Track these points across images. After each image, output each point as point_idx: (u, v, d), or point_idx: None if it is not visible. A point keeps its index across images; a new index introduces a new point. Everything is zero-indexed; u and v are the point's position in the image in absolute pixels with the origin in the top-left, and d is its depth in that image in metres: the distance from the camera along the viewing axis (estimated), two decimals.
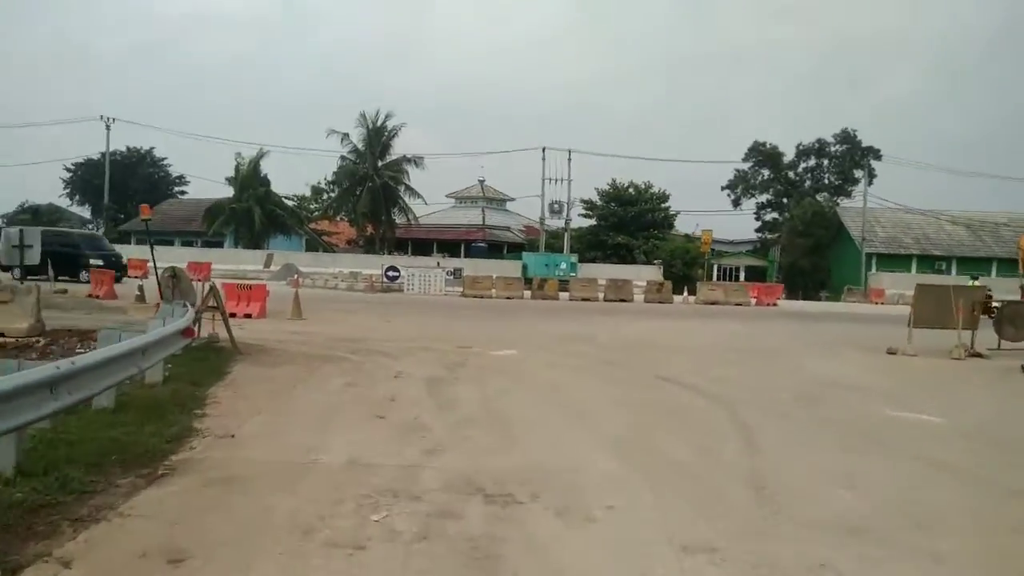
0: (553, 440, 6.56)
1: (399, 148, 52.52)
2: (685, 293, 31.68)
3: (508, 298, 28.41)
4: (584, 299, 28.70)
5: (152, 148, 72.37)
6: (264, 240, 51.91)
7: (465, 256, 55.07)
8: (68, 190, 72.90)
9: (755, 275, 53.72)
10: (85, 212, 74.15)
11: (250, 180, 50.80)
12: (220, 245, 54.52)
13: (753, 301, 29.70)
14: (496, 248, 61.55)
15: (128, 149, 70.56)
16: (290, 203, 57.00)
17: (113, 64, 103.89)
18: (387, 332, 15.64)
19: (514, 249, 63.83)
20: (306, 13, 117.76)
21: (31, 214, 67.83)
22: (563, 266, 39.98)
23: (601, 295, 29.01)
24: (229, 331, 12.11)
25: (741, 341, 16.43)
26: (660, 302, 29.45)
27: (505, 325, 18.41)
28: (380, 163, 51.41)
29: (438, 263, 36.63)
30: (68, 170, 70.86)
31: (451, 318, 19.77)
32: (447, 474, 5.38)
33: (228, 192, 52.93)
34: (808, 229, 52.44)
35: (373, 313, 20.52)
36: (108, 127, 55.67)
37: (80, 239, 29.68)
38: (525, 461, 5.82)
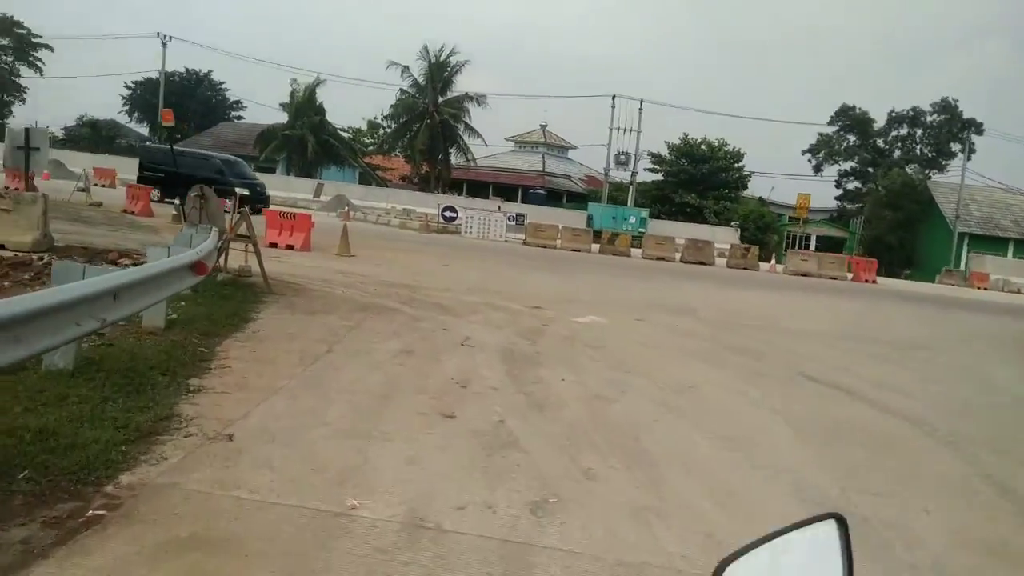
0: (737, 503, 4.07)
1: (461, 86, 49.57)
2: (773, 260, 28.57)
3: (574, 250, 25.71)
4: (659, 258, 25.93)
5: (210, 71, 71.06)
6: (316, 170, 50.05)
7: (523, 202, 52.42)
8: (127, 107, 72.33)
9: (829, 246, 49.73)
10: (143, 129, 73.94)
11: (305, 108, 48.67)
12: (272, 171, 52.99)
13: (849, 276, 26.45)
14: (555, 196, 58.62)
15: (187, 71, 69.60)
16: (345, 135, 54.83)
17: None
18: (445, 279, 13.33)
19: (574, 199, 60.82)
20: None
21: (90, 127, 67.49)
22: (632, 220, 36.96)
23: (678, 255, 26.15)
24: (261, 265, 9.94)
25: (870, 327, 13.65)
26: (744, 268, 26.44)
27: (578, 282, 15.95)
28: (440, 99, 48.58)
29: (499, 206, 34.08)
30: (128, 87, 70.09)
31: (515, 268, 17.37)
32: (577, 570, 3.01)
33: (284, 119, 50.98)
34: (897, 201, 48.17)
35: (429, 255, 18.24)
36: (164, 45, 53.90)
37: (223, 164, 26.00)
38: (708, 552, 3.39)
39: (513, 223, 27.51)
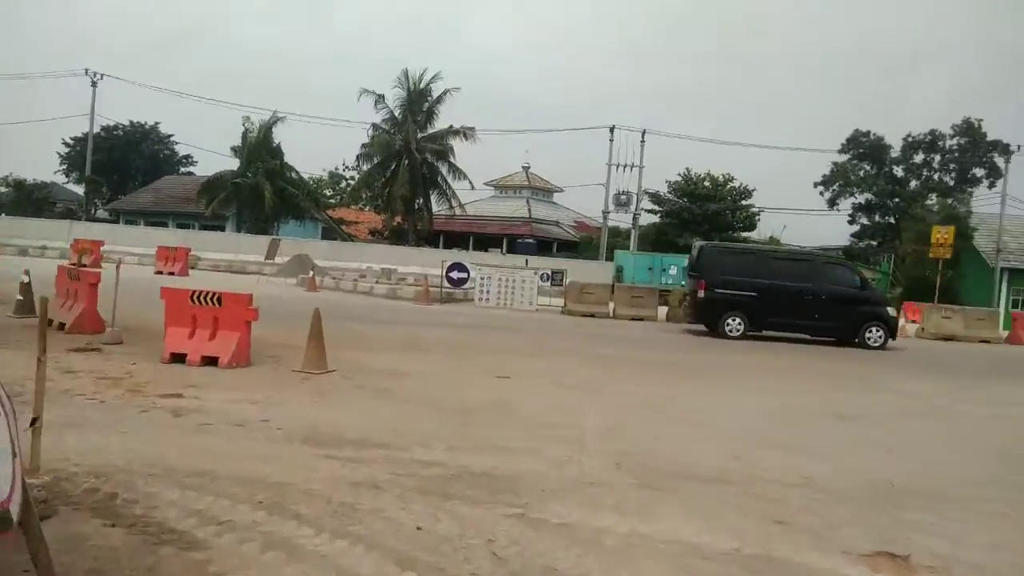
0: None
1: (444, 119, 42.99)
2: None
3: (637, 319, 18.75)
4: None
5: (157, 123, 64.55)
6: (273, 225, 42.72)
7: (509, 253, 45.74)
8: (65, 166, 64.92)
9: None
10: (80, 189, 66.42)
11: (260, 151, 41.61)
12: (220, 229, 45.63)
13: (1004, 335, 19.74)
14: (544, 245, 52.17)
15: (131, 123, 63.06)
16: (308, 180, 47.80)
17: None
18: (560, 434, 6.29)
19: (564, 248, 54.52)
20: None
21: (15, 188, 59.50)
22: (674, 271, 30.36)
23: None
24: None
25: None
26: None
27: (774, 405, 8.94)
28: (421, 135, 41.89)
29: (527, 261, 27.16)
30: (66, 144, 62.83)
31: (635, 375, 10.09)
32: None
33: (235, 166, 43.74)
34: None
35: (469, 350, 11.22)
36: (94, 84, 46.73)
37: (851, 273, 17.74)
38: None
39: (547, 283, 20.54)
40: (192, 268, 29.21)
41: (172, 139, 66.66)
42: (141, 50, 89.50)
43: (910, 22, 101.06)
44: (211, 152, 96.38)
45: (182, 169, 65.71)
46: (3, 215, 47.62)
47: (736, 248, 19.63)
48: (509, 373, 9.22)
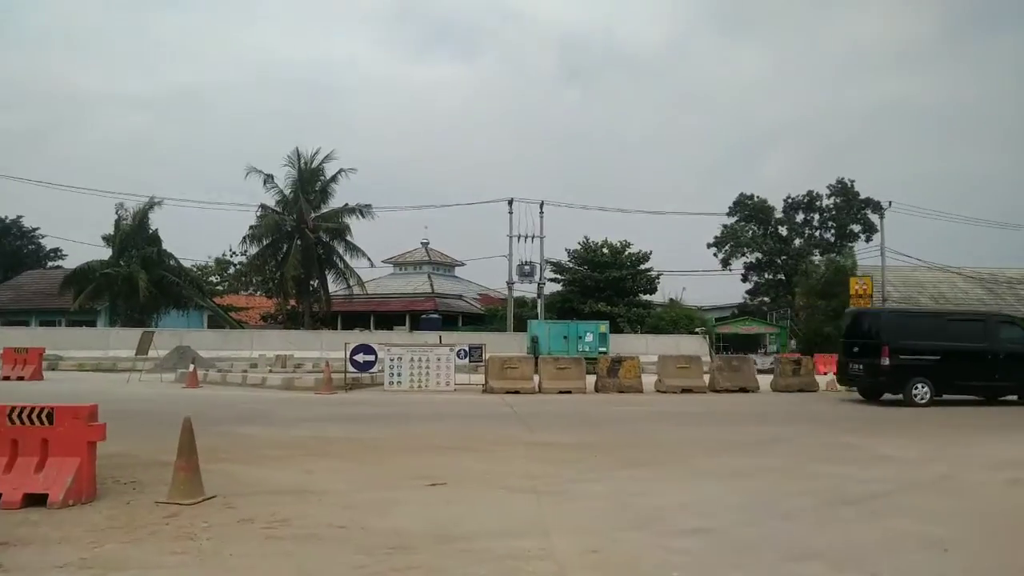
0: None
1: (339, 196, 41.34)
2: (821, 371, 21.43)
3: (564, 392, 17.23)
4: (684, 389, 17.74)
5: (20, 216, 59.62)
6: (151, 316, 38.91)
7: (413, 330, 43.75)
8: None
9: (745, 344, 44.44)
10: None
11: (134, 238, 38.20)
12: (92, 324, 41.22)
13: None
14: (449, 320, 50.62)
15: None
16: (190, 268, 44.32)
17: None
18: None
19: (470, 320, 53.12)
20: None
21: None
22: (589, 337, 29.22)
23: (678, 383, 18.20)
24: None
25: None
26: (801, 389, 19.02)
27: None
28: (314, 214, 39.88)
29: (440, 338, 25.12)
30: None
31: (593, 466, 8.42)
32: None
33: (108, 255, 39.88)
34: (830, 289, 44.37)
35: (387, 449, 9.29)
36: None
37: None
38: None
39: (465, 360, 18.67)
40: (53, 369, 25.53)
41: (37, 232, 61.58)
42: (3, 136, 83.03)
43: (771, 101, 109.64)
44: (83, 244, 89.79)
45: (50, 264, 60.43)
46: None
47: (914, 311, 19.68)
48: (443, 477, 7.43)
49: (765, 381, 19.81)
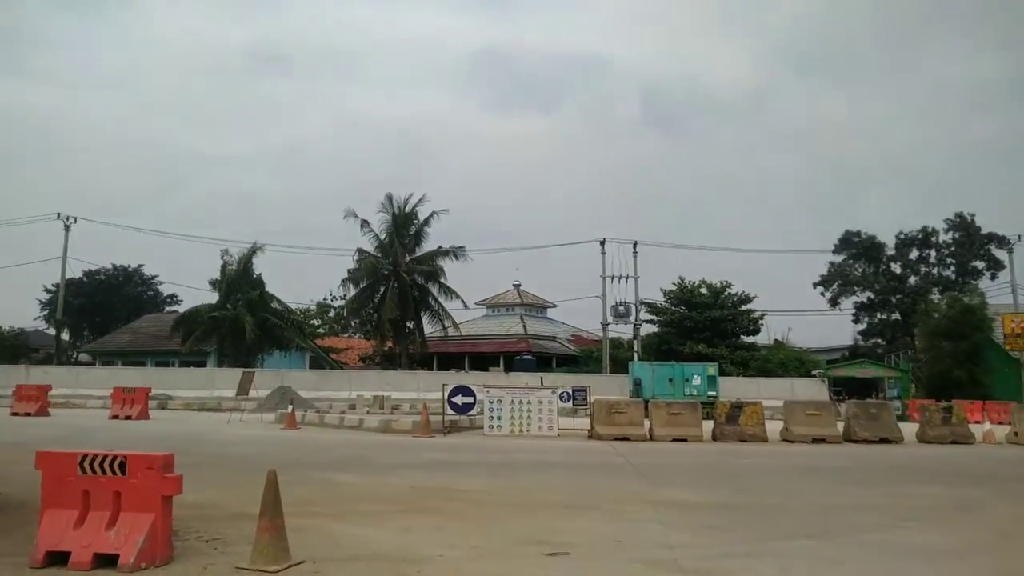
0: None
1: (433, 240, 41.61)
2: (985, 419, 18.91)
3: (678, 440, 15.70)
4: (815, 439, 15.75)
5: (141, 265, 63.52)
6: (256, 357, 39.82)
7: (508, 371, 42.75)
8: (46, 312, 62.98)
9: (860, 389, 40.57)
10: (64, 334, 63.92)
11: (239, 282, 39.41)
12: (203, 364, 42.68)
13: None
14: (543, 361, 49.45)
15: (114, 267, 62.38)
16: (294, 311, 45.37)
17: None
18: None
19: (564, 363, 51.78)
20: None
21: None
22: (697, 380, 27.35)
23: (808, 432, 16.16)
24: None
25: None
26: (954, 441, 16.65)
27: None
28: (409, 257, 40.13)
29: (541, 380, 24.15)
30: (47, 291, 61.18)
31: (753, 535, 6.93)
32: None
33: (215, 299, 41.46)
34: (959, 330, 40.39)
35: (496, 505, 8.25)
36: (67, 227, 44.91)
37: None
38: None
39: (568, 403, 17.48)
40: (162, 408, 26.11)
41: (156, 279, 65.43)
42: (128, 195, 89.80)
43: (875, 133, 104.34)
44: (195, 289, 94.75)
45: (167, 308, 63.92)
46: None
47: None
48: (563, 544, 6.25)
49: (906, 430, 17.48)
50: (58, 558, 5.38)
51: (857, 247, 53.12)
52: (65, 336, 62.45)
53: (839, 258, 53.20)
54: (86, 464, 5.56)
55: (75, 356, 56.82)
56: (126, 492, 5.48)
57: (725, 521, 7.47)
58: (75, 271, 60.57)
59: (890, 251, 53.23)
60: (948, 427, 16.91)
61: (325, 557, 5.74)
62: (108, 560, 5.33)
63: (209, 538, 6.29)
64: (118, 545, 5.35)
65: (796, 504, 8.62)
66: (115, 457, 5.54)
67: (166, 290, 65.87)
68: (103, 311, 60.26)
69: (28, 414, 20.39)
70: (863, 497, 9.59)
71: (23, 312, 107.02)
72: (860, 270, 53.11)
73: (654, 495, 8.93)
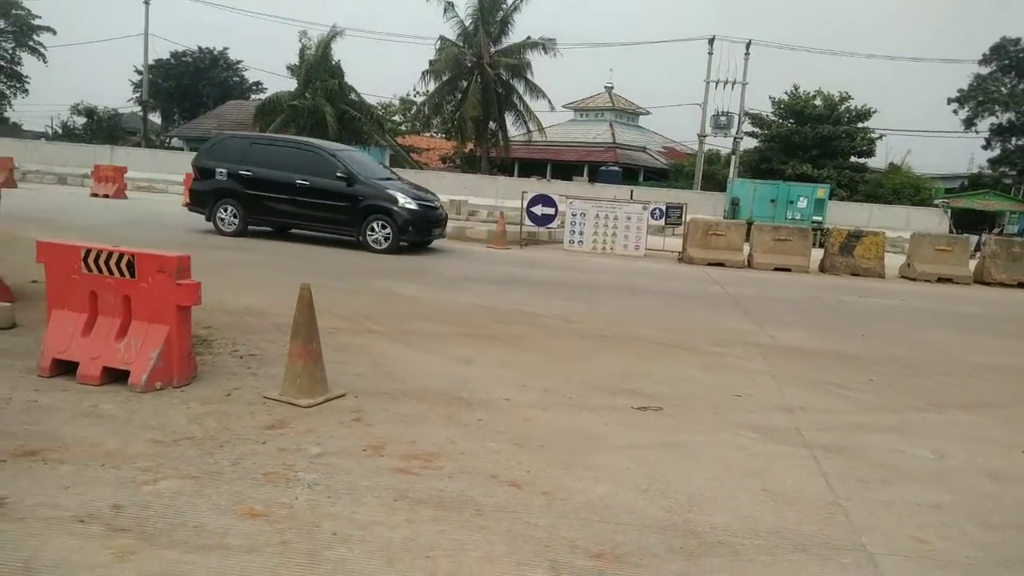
0: None
1: (520, 30, 38.01)
2: None
3: (781, 270, 14.11)
4: (940, 279, 14.05)
5: (226, 48, 62.19)
6: None
7: (592, 183, 40.85)
8: (138, 94, 63.61)
9: (974, 222, 36.53)
10: (156, 118, 65.08)
11: (318, 70, 37.70)
12: None
13: None
14: (630, 173, 47.01)
15: (200, 49, 61.05)
16: (373, 105, 43.74)
17: None
18: None
19: (652, 176, 49.09)
20: None
21: (87, 116, 58.34)
22: (803, 203, 24.93)
23: (934, 270, 14.17)
24: None
25: None
26: None
27: None
28: (494, 48, 37.06)
29: (631, 193, 22.49)
30: (139, 72, 61.20)
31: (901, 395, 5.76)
32: None
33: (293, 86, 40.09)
34: None
35: (574, 335, 7.27)
36: (147, 2, 43.52)
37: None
38: None
39: (659, 220, 15.90)
40: None
41: (241, 65, 64.22)
42: None
43: None
44: (280, 76, 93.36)
45: (252, 96, 63.38)
46: (43, 141, 46.28)
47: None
48: (656, 395, 5.15)
49: None
50: (68, 367, 4.65)
51: (1011, 58, 45.98)
52: (157, 119, 63.66)
53: (986, 70, 46.45)
54: (90, 261, 4.62)
55: (168, 140, 58.00)
56: (136, 298, 4.56)
57: (851, 377, 6.17)
58: (162, 52, 60.28)
59: None
60: None
61: (370, 390, 4.82)
62: (121, 375, 4.56)
63: (244, 354, 5.48)
64: (129, 360, 4.52)
65: (937, 359, 7.17)
66: (121, 255, 4.55)
67: (252, 76, 64.97)
68: (192, 95, 60.54)
69: (107, 196, 20.48)
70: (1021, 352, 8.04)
71: (118, 95, 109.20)
72: (1009, 85, 46.42)
73: (760, 336, 7.64)
